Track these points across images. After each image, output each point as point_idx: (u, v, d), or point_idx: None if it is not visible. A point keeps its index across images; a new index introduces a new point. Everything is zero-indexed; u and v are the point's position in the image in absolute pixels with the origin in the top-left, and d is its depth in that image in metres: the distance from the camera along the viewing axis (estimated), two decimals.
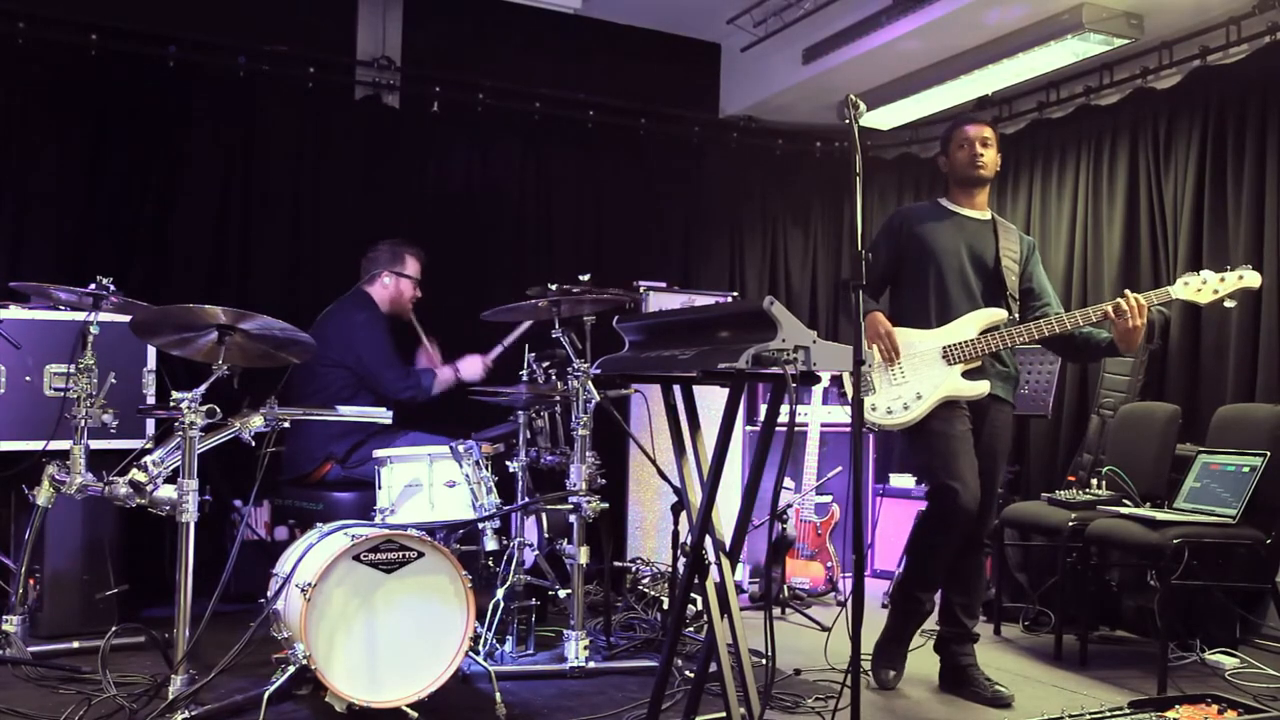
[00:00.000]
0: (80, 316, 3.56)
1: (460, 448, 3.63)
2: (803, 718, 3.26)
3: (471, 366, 4.59)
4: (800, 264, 6.47)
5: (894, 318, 3.57)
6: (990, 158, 3.60)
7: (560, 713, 3.26)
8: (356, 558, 3.08)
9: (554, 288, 3.82)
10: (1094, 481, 4.26)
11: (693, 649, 3.83)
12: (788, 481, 5.05)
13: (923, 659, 3.72)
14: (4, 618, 3.59)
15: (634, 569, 4.89)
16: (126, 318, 3.44)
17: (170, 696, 2.99)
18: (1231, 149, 4.57)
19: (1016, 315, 3.57)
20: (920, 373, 3.47)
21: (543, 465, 4.02)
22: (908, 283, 3.61)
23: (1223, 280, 3.38)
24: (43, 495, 3.53)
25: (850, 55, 5.20)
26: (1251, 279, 3.38)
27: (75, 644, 3.70)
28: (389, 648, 3.09)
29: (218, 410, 3.15)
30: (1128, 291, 3.35)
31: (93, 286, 3.43)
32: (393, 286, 4.55)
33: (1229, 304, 3.41)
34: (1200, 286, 3.39)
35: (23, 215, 4.67)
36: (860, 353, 2.42)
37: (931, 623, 3.72)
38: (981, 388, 3.45)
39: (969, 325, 3.49)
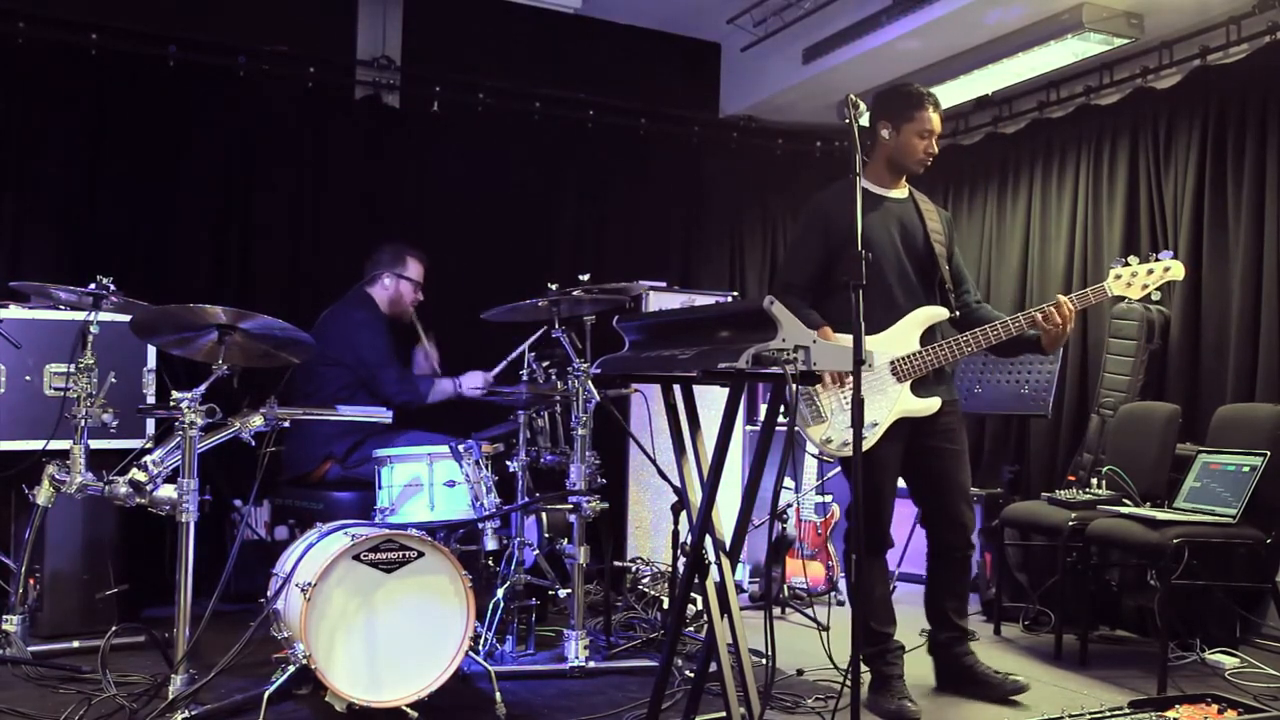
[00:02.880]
0: (80, 316, 3.56)
1: (460, 447, 3.64)
2: (803, 718, 3.26)
3: (472, 381, 4.58)
4: None
5: (831, 322, 3.35)
6: None
7: (560, 713, 3.26)
8: (356, 557, 3.08)
9: (554, 287, 3.82)
10: (1094, 481, 4.26)
11: (693, 649, 3.83)
12: (788, 481, 5.05)
13: (920, 659, 3.72)
14: (4, 617, 3.59)
15: (634, 569, 4.89)
16: (126, 317, 3.44)
17: (170, 696, 2.99)
18: (1231, 149, 4.57)
19: (956, 312, 3.48)
20: (872, 396, 3.30)
21: (543, 465, 4.02)
22: (843, 284, 3.36)
23: (1150, 273, 3.37)
24: (43, 495, 3.53)
25: (850, 55, 5.20)
26: (1176, 271, 3.39)
27: (75, 644, 3.70)
28: (389, 647, 3.09)
29: (218, 410, 3.15)
30: (1061, 297, 3.30)
31: (93, 286, 3.43)
32: (393, 288, 4.55)
33: (1155, 296, 3.44)
34: (1130, 280, 3.39)
35: (23, 215, 4.67)
36: (860, 353, 2.42)
37: (922, 622, 3.71)
38: (932, 404, 3.35)
39: (911, 328, 3.37)
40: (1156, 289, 3.42)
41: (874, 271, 3.28)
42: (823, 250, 3.41)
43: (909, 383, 3.34)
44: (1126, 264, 3.42)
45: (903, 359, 3.33)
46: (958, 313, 3.49)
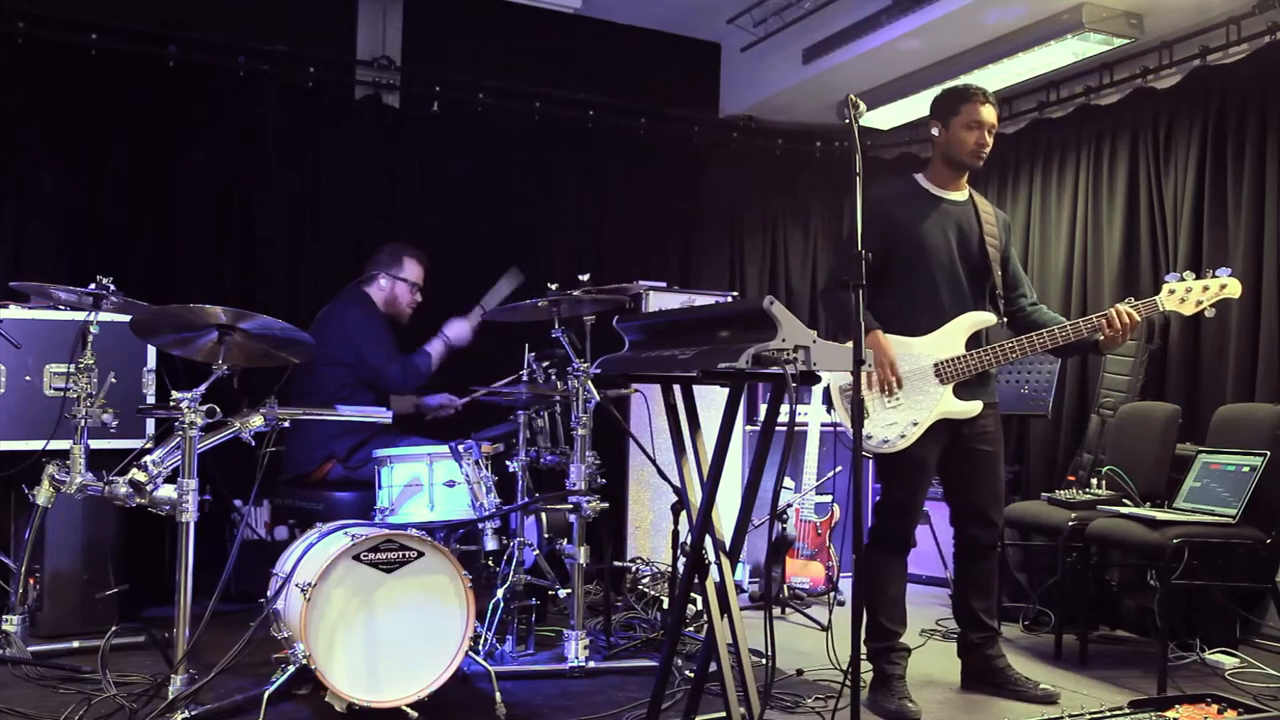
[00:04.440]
0: (80, 316, 3.56)
1: (460, 447, 3.63)
2: (803, 718, 3.26)
3: (459, 330, 4.56)
4: (800, 264, 6.47)
5: (879, 320, 3.39)
6: (991, 145, 3.49)
7: (560, 713, 3.26)
8: (356, 557, 3.08)
9: (554, 287, 3.82)
10: (1094, 481, 4.26)
11: (693, 649, 3.83)
12: (788, 481, 5.05)
13: (922, 658, 3.72)
14: (4, 617, 3.59)
15: (634, 569, 4.89)
16: (126, 318, 3.44)
17: (170, 696, 2.99)
18: (1231, 149, 4.57)
19: (1005, 317, 3.50)
20: (914, 396, 3.35)
21: (543, 465, 4.02)
22: (895, 282, 3.40)
23: (1205, 289, 3.34)
24: (43, 495, 3.53)
25: (850, 55, 5.20)
26: (1233, 288, 3.34)
27: (75, 644, 3.70)
28: (389, 647, 3.09)
29: (218, 410, 3.15)
30: (1120, 306, 3.32)
31: (93, 286, 3.43)
32: (389, 289, 4.53)
33: (1209, 314, 3.38)
34: (1185, 295, 3.35)
35: (23, 215, 4.67)
36: (860, 352, 2.42)
37: (932, 623, 3.71)
38: (974, 408, 3.37)
39: (958, 332, 3.39)
40: (1211, 306, 3.35)
41: (923, 273, 3.41)
42: (879, 248, 3.38)
43: (951, 385, 3.36)
44: (1181, 279, 3.37)
45: (946, 361, 3.36)
46: (1005, 319, 3.51)
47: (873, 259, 3.35)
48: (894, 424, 3.35)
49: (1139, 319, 3.32)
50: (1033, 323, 3.50)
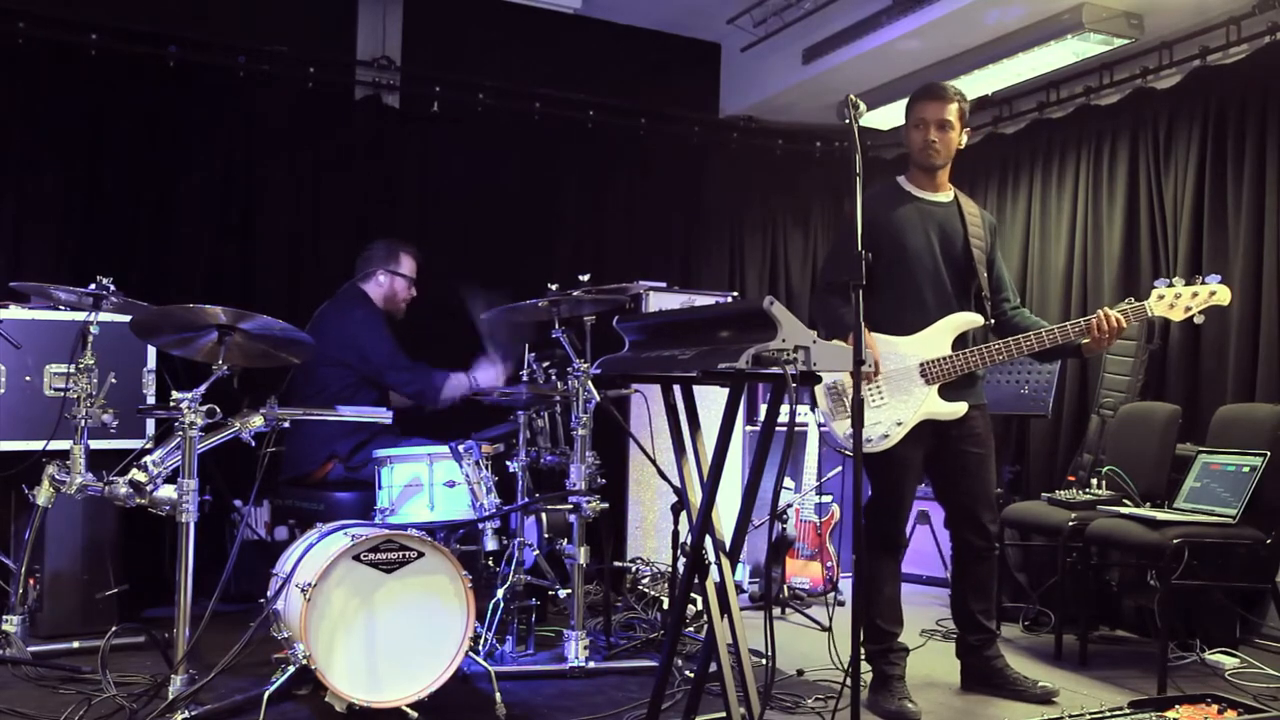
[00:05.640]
0: (80, 316, 3.56)
1: (460, 448, 3.63)
2: (802, 718, 3.26)
3: (488, 377, 4.52)
4: (800, 264, 6.47)
5: (870, 322, 3.32)
6: (948, 141, 3.41)
7: (560, 713, 3.26)
8: (356, 558, 3.08)
9: (554, 287, 3.82)
10: (1094, 481, 4.26)
11: (693, 649, 3.83)
12: (788, 481, 5.05)
13: (919, 659, 3.71)
14: (4, 618, 3.59)
15: (634, 569, 4.89)
16: (126, 318, 3.44)
17: (170, 696, 2.99)
18: (1231, 149, 4.57)
19: (992, 319, 3.49)
20: (898, 396, 3.34)
21: (543, 465, 4.02)
22: (880, 284, 3.34)
23: (1195, 295, 3.32)
24: (43, 495, 3.53)
25: (850, 55, 5.20)
26: (1222, 296, 3.32)
27: (75, 644, 3.70)
28: (389, 648, 3.09)
29: (218, 410, 3.15)
30: (1106, 311, 3.31)
31: (93, 286, 3.43)
32: (387, 285, 4.53)
33: (1198, 320, 3.36)
34: (1174, 301, 3.33)
35: (23, 215, 4.67)
36: (860, 352, 2.42)
37: (932, 624, 3.71)
38: (959, 409, 3.35)
39: (944, 333, 3.38)
40: (1200, 312, 3.34)
41: (905, 274, 3.39)
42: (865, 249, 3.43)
43: (936, 386, 3.35)
44: (1170, 284, 3.36)
45: (932, 362, 3.35)
46: (993, 320, 3.50)
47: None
48: (878, 423, 3.34)
49: (1125, 324, 3.31)
50: (1014, 326, 3.50)
